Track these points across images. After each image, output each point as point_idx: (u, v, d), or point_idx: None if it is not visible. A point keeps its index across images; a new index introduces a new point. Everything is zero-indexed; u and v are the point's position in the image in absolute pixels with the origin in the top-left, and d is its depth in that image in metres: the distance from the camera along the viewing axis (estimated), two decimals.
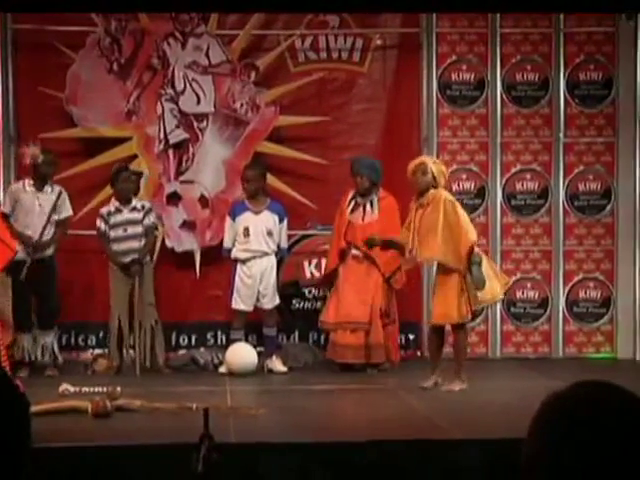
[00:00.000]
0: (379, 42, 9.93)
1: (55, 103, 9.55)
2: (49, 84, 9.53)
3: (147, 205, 9.17)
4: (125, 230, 9.01)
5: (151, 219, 9.12)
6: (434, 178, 8.03)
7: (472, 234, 8.08)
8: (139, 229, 9.03)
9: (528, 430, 1.61)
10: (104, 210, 9.08)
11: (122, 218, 9.02)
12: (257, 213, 9.17)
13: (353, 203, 9.06)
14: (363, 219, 9.01)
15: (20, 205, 8.85)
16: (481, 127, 9.93)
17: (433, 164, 8.17)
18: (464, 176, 9.87)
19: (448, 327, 8.26)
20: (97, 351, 9.48)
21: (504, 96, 9.93)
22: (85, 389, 7.65)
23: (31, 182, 8.92)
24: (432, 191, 8.05)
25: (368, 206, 9.01)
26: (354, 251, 9.00)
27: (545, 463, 1.56)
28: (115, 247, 9.01)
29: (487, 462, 5.40)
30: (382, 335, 8.88)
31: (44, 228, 8.82)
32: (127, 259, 8.94)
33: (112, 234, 9.02)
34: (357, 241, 8.96)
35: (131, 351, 8.99)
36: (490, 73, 9.91)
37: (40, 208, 8.86)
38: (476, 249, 8.06)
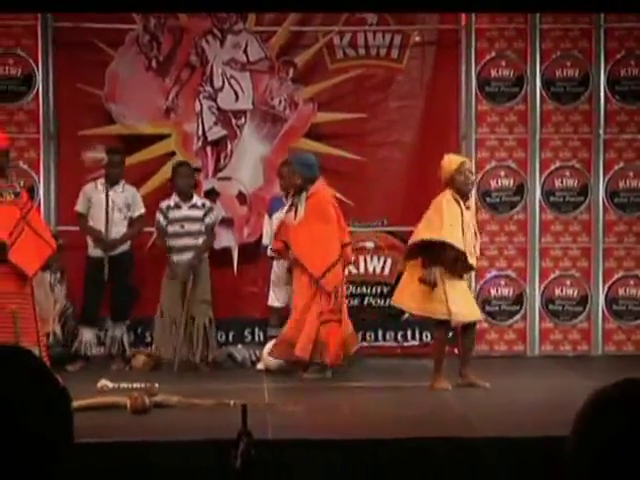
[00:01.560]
0: (417, 39, 9.92)
1: (94, 100, 9.63)
2: (88, 81, 9.61)
3: (208, 204, 9.25)
4: (182, 227, 9.07)
5: (212, 218, 9.19)
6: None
7: None
8: (197, 227, 9.09)
9: (572, 427, 1.60)
10: (164, 204, 9.14)
11: (180, 214, 9.08)
12: None
13: (289, 202, 8.84)
14: (295, 218, 8.72)
15: (92, 204, 9.08)
16: (520, 124, 9.89)
17: (470, 163, 8.06)
18: (502, 173, 9.84)
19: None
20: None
21: (543, 92, 9.88)
22: (123, 385, 7.70)
23: (102, 182, 9.10)
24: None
25: (299, 205, 8.72)
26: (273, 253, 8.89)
27: (589, 461, 1.56)
28: (171, 243, 9.08)
29: (519, 460, 5.39)
30: (293, 332, 8.47)
31: (107, 224, 9.00)
32: (181, 256, 9.00)
33: (170, 229, 9.09)
34: (290, 241, 8.67)
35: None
36: (529, 69, 9.87)
37: (110, 207, 9.05)
38: None
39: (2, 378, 1.55)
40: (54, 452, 1.57)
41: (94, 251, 9.11)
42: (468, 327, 8.07)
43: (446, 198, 7.90)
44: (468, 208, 7.94)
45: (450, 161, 8.06)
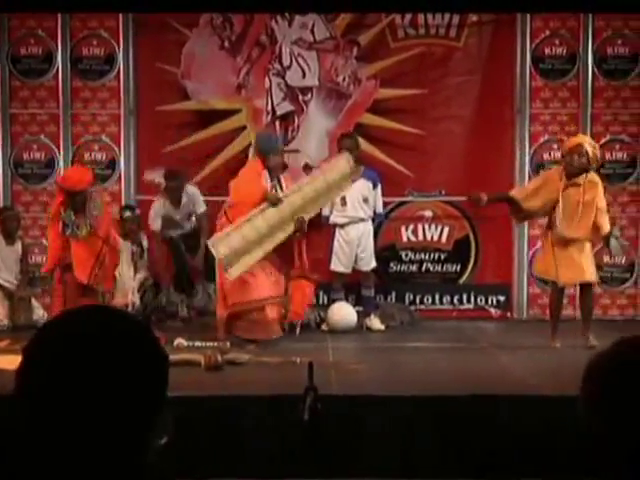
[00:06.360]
0: (475, 18, 9.83)
1: (171, 78, 9.71)
2: (166, 60, 9.70)
3: None
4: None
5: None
6: (588, 161, 7.73)
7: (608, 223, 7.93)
8: None
9: (580, 391, 1.60)
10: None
11: None
12: (352, 181, 9.12)
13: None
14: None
15: (164, 219, 9.18)
16: (572, 99, 9.79)
17: (589, 146, 7.83)
18: (555, 146, 9.75)
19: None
20: None
21: (595, 69, 9.75)
22: (197, 343, 7.75)
23: (167, 201, 9.20)
24: (589, 175, 7.76)
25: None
26: None
27: (592, 422, 1.55)
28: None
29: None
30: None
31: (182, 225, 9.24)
32: None
33: None
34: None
35: None
36: (582, 47, 9.74)
37: (176, 213, 9.21)
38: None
39: (112, 335, 1.55)
40: (156, 403, 1.58)
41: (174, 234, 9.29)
42: (583, 289, 8.02)
43: (551, 171, 8.13)
44: (577, 185, 7.71)
45: (568, 141, 8.10)
